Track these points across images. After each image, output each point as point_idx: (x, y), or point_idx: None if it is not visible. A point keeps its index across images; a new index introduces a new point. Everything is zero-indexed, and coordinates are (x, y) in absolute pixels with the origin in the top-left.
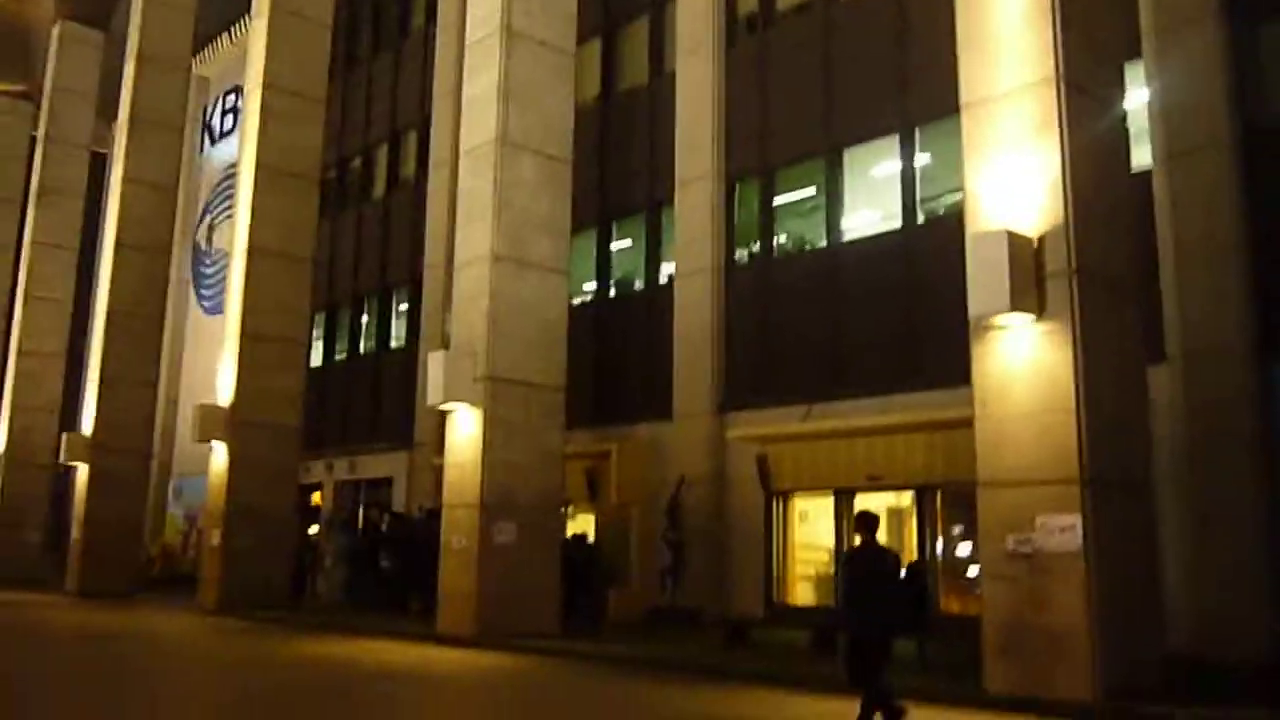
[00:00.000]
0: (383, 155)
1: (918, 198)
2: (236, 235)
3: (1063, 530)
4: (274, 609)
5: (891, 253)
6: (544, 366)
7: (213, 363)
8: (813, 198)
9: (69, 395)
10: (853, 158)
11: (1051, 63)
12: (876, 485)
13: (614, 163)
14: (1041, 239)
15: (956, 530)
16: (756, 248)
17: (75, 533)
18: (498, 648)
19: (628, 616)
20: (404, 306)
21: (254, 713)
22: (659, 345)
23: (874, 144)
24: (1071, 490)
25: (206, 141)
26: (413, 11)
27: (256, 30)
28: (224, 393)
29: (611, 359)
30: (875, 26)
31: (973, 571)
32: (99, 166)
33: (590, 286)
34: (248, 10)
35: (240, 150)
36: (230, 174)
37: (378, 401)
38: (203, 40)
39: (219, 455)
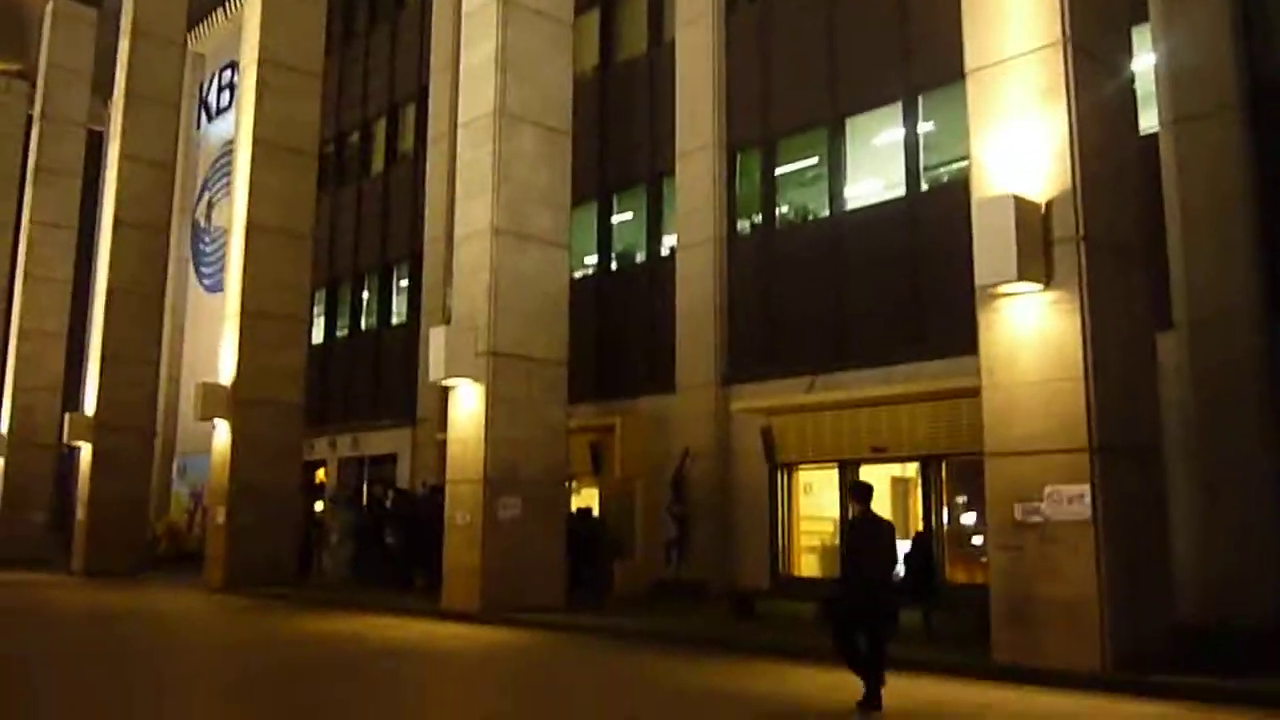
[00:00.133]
0: (381, 129)
1: (921, 166)
2: (235, 212)
3: (1071, 499)
4: (280, 586)
5: (895, 222)
6: (546, 340)
7: (214, 341)
8: (815, 167)
9: (71, 375)
10: (855, 126)
11: (1058, 26)
12: (881, 456)
13: (614, 134)
14: (1048, 205)
15: (962, 500)
16: (759, 218)
17: (80, 512)
18: (503, 623)
19: (633, 590)
20: (405, 282)
21: (259, 691)
22: (661, 318)
23: (877, 112)
24: (1080, 459)
25: (203, 118)
26: None
27: (252, 5)
28: (225, 371)
29: (614, 332)
30: None
31: (978, 541)
32: (96, 145)
33: (592, 260)
34: None
35: (237, 126)
36: (228, 150)
37: (380, 377)
38: (198, 16)
39: (222, 433)
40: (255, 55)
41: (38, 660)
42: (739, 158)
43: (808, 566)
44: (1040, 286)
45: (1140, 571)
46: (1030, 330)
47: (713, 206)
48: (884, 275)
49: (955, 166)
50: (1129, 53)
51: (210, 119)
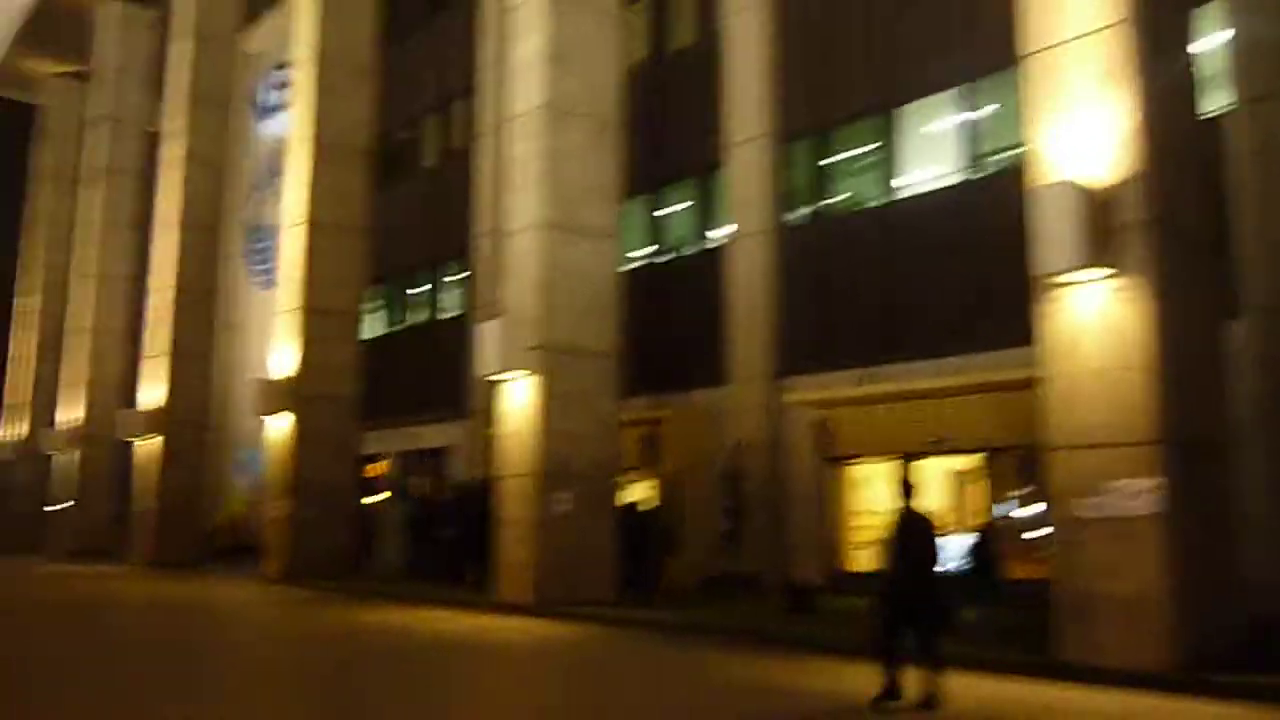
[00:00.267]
0: (432, 124)
1: (977, 153)
2: (288, 209)
3: (1137, 494)
4: (336, 578)
5: (950, 210)
6: (597, 333)
7: (268, 337)
8: (868, 156)
9: (131, 372)
10: (909, 113)
11: (1123, 6)
12: (939, 449)
13: (664, 126)
14: (1111, 190)
15: (1023, 494)
16: (811, 209)
17: (140, 505)
18: (555, 616)
19: (685, 583)
20: (456, 276)
21: (313, 682)
22: (713, 310)
23: (931, 99)
24: (1146, 452)
25: (256, 117)
26: None
27: (303, 3)
28: (281, 367)
29: (665, 325)
30: None
31: (1039, 536)
32: (153, 145)
33: (642, 252)
34: None
35: (290, 123)
36: (279, 149)
37: (433, 372)
38: (250, 16)
39: (279, 428)
40: (308, 53)
41: (105, 651)
42: (790, 148)
43: (862, 561)
44: (1102, 274)
45: (1207, 569)
46: (1092, 319)
47: (764, 197)
48: (939, 265)
49: (1012, 153)
50: (1195, 33)
51: (263, 117)
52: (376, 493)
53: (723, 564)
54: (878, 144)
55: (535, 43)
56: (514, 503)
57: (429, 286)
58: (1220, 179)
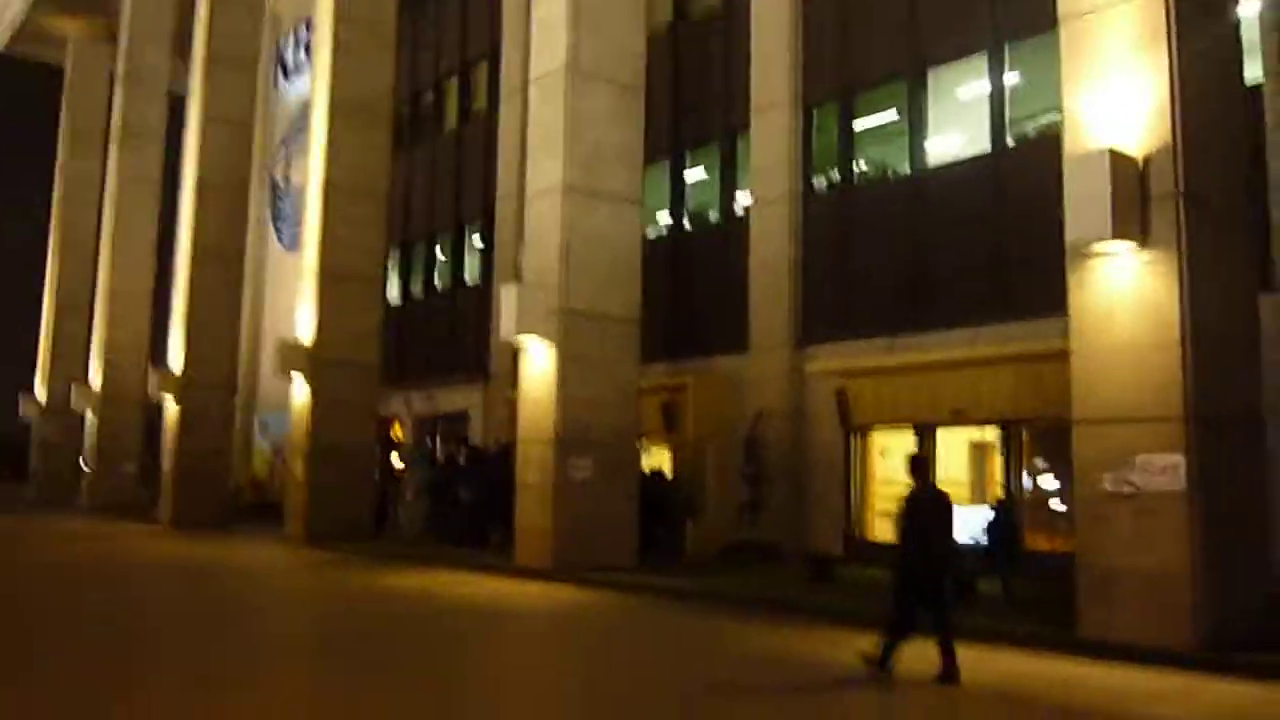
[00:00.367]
0: (454, 87)
1: (1007, 120)
2: (311, 171)
3: (1165, 470)
4: (357, 540)
5: (978, 178)
6: (618, 299)
7: (293, 298)
8: (895, 122)
9: (157, 332)
10: (938, 78)
11: None
12: (961, 420)
13: (687, 90)
14: (1146, 160)
15: (1044, 466)
16: (835, 175)
17: (166, 465)
18: (574, 582)
19: (704, 551)
20: (478, 240)
21: (336, 650)
22: (735, 277)
23: (961, 63)
24: (1175, 427)
25: (281, 77)
26: None
27: None
28: (304, 330)
29: (687, 291)
30: None
31: (1060, 508)
32: (178, 105)
33: (664, 218)
34: None
35: (313, 85)
36: (305, 109)
37: (453, 336)
38: None
39: (301, 391)
40: (330, 13)
41: (132, 611)
42: (815, 113)
43: (882, 531)
44: (1135, 245)
45: (1235, 547)
46: (1124, 291)
47: (788, 163)
48: (965, 234)
49: (1043, 120)
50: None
51: (287, 78)
52: (397, 456)
53: (743, 532)
54: (906, 109)
55: (559, 3)
56: (533, 468)
57: (451, 251)
58: (1258, 149)
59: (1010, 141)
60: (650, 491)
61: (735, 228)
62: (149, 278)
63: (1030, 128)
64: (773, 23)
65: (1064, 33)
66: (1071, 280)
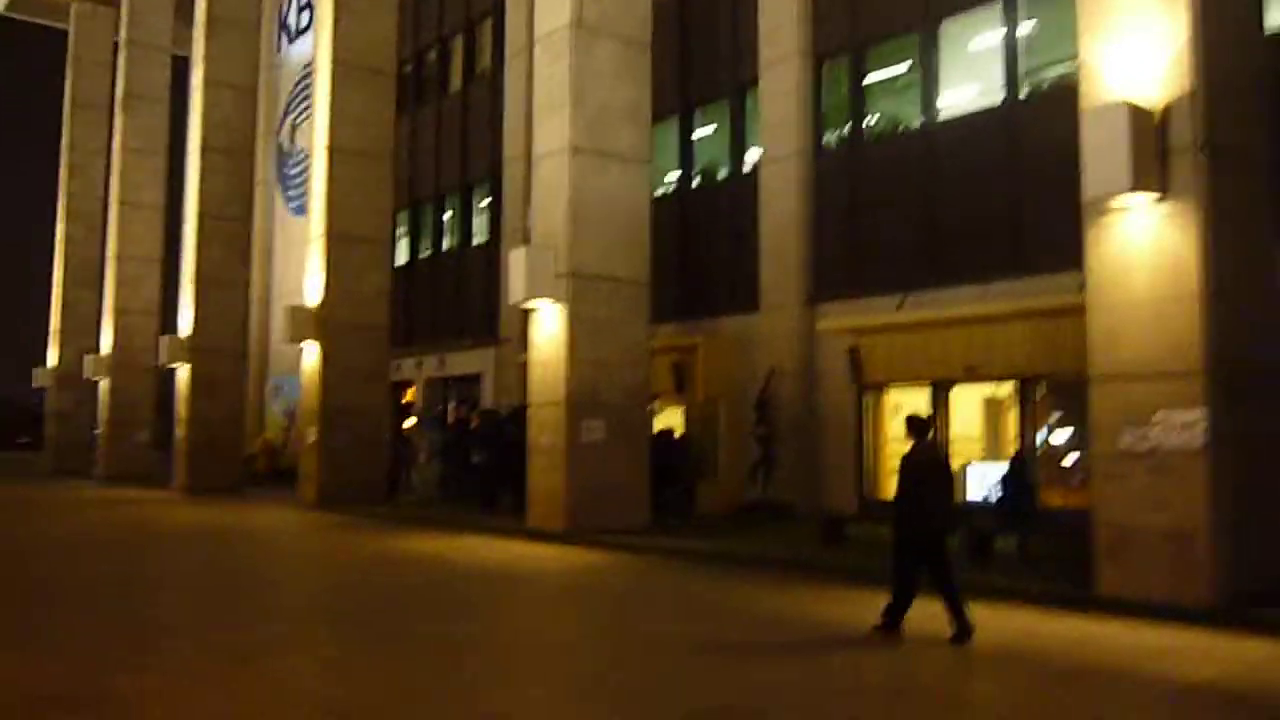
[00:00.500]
0: (459, 46)
1: (1021, 71)
2: (316, 134)
3: (1184, 426)
4: (370, 504)
5: (992, 131)
6: (627, 260)
7: (302, 262)
8: (906, 75)
9: (166, 299)
10: (950, 29)
11: None
12: (974, 376)
13: (695, 45)
14: (1165, 111)
15: (1058, 422)
16: (846, 130)
17: (179, 431)
18: (587, 544)
19: (717, 511)
20: (485, 201)
21: (354, 615)
22: (745, 235)
23: (974, 13)
24: (1194, 383)
25: (284, 39)
26: None
27: None
28: (312, 294)
29: (696, 250)
30: None
31: (1075, 464)
32: (182, 70)
33: (673, 177)
34: None
35: (316, 46)
36: (309, 72)
37: (463, 298)
38: None
39: (311, 355)
40: None
41: (145, 579)
42: (825, 67)
43: (895, 490)
44: (1154, 198)
45: (1256, 503)
46: (1142, 245)
47: (798, 119)
48: (979, 188)
49: (1058, 71)
50: None
51: (291, 40)
52: (409, 419)
53: (755, 492)
54: (918, 62)
55: None
56: (545, 431)
57: (460, 212)
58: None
59: (1025, 93)
60: (661, 452)
61: (745, 185)
62: (158, 245)
63: (1045, 79)
64: None
65: None
66: (1089, 234)
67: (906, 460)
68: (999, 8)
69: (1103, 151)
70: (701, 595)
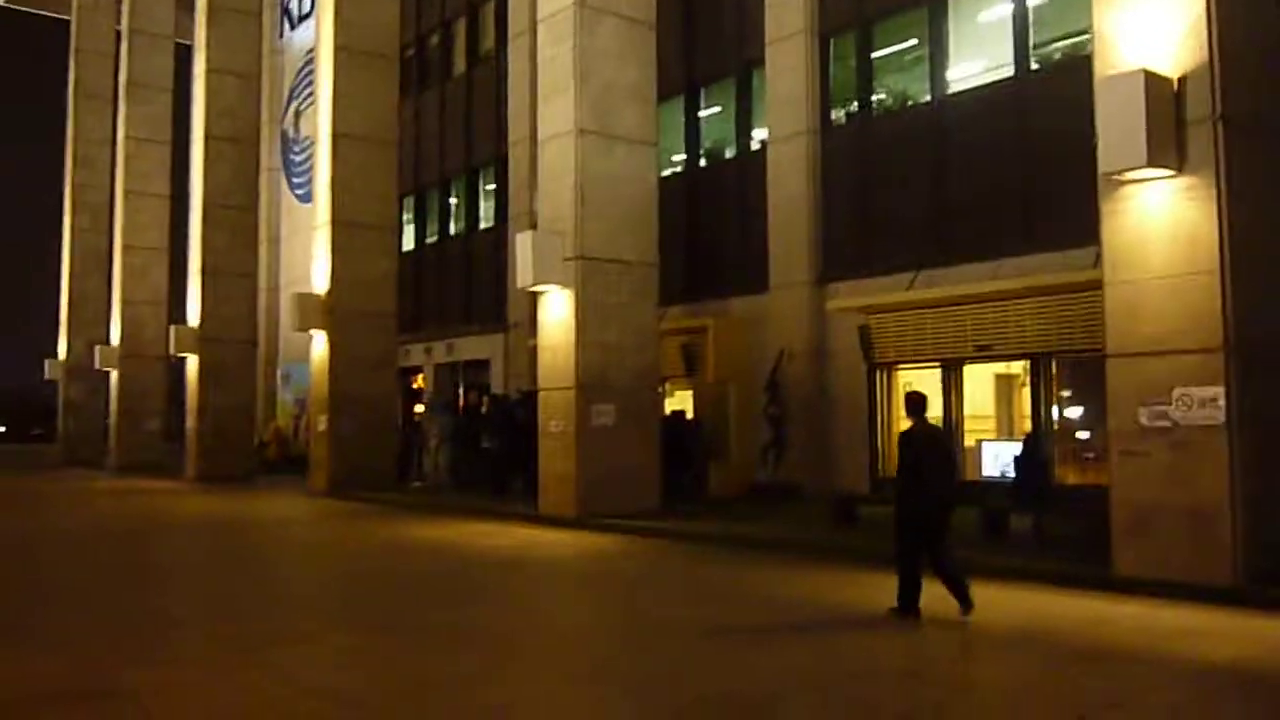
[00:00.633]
0: (461, 29)
1: (1032, 43)
2: (320, 121)
3: (1203, 403)
4: (381, 490)
5: (1003, 105)
6: (635, 242)
7: (309, 250)
8: (915, 50)
9: (174, 288)
10: (959, 2)
11: None
12: (986, 355)
13: (700, 23)
14: (1182, 81)
15: (1073, 399)
16: (854, 107)
17: (190, 421)
18: (599, 529)
19: (728, 493)
20: (491, 186)
21: (367, 604)
22: (753, 215)
23: None
24: (1214, 359)
25: (286, 25)
26: None
27: None
28: (319, 281)
29: (704, 231)
30: None
31: (1091, 442)
32: (185, 58)
33: (680, 157)
34: None
35: (317, 31)
36: (311, 58)
37: (470, 283)
38: None
39: (319, 343)
40: None
41: (157, 569)
42: (832, 43)
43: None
44: (1172, 172)
45: (1274, 480)
46: (1160, 220)
47: (805, 97)
48: (990, 163)
49: (1069, 42)
50: None
51: (293, 26)
52: (419, 405)
53: (766, 474)
54: (926, 36)
55: None
56: (555, 415)
57: (465, 197)
58: None
59: (1036, 66)
60: (672, 434)
61: (753, 164)
62: (164, 233)
63: (1057, 50)
64: None
65: None
66: (1104, 209)
67: (905, 437)
68: None
69: (1118, 124)
70: (712, 579)
